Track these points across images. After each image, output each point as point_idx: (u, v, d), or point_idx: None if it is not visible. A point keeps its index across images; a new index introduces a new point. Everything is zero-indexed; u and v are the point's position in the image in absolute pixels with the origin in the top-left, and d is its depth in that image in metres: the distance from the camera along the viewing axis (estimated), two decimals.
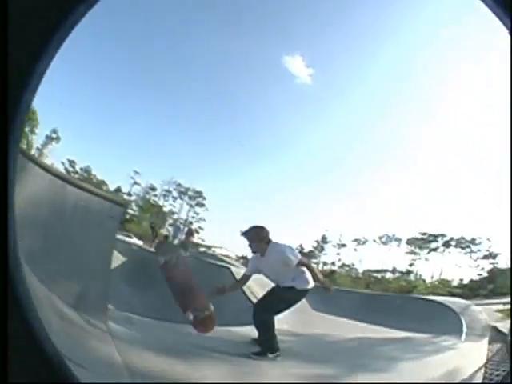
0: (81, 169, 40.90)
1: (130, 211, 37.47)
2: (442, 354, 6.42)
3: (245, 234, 5.54)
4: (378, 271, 35.24)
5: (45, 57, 0.99)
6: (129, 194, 40.61)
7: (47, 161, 36.67)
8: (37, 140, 37.46)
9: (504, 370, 4.48)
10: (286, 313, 6.88)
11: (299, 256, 5.39)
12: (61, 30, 1.01)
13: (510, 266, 26.35)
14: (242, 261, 30.74)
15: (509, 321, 7.91)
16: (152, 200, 41.97)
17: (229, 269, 12.20)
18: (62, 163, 38.27)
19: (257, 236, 5.45)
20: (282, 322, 7.51)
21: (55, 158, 38.00)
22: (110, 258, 5.17)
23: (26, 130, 36.16)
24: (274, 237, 5.45)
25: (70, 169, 39.95)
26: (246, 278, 5.75)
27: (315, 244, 39.65)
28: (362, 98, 45.20)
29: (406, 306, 12.80)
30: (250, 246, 5.52)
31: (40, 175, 4.58)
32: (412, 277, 34.44)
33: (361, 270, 37.30)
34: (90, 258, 4.76)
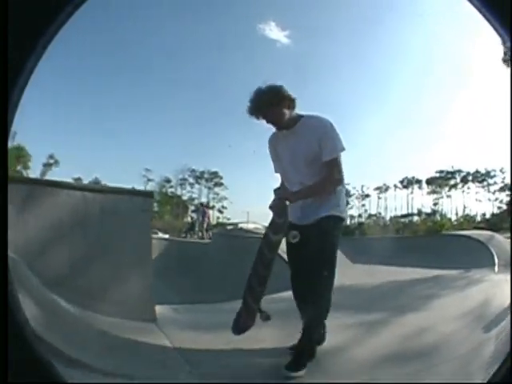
0: (89, 183, 40.90)
1: None
2: (477, 286, 6.45)
3: (255, 96, 3.16)
4: (404, 216, 34.74)
5: (32, 56, 1.00)
6: None
7: None
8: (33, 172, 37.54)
9: None
10: None
11: (342, 148, 3.22)
12: (49, 30, 1.01)
13: None
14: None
15: None
16: (169, 192, 41.78)
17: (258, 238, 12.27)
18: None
19: (275, 97, 3.13)
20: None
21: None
22: (149, 254, 5.05)
23: (18, 168, 36.02)
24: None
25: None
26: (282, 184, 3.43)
27: None
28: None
29: (435, 244, 13.29)
30: (267, 117, 3.20)
31: (54, 194, 4.60)
32: (438, 217, 34.21)
33: (388, 218, 36.95)
34: (129, 259, 4.70)
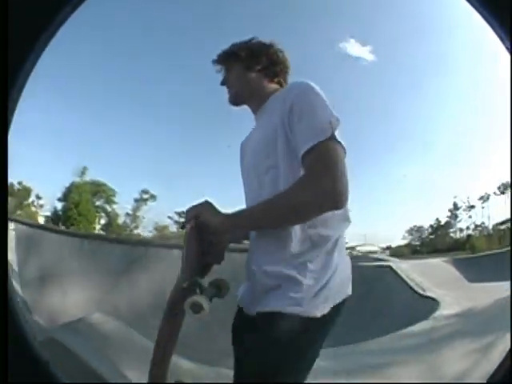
0: None
1: None
2: None
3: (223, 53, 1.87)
4: (502, 223, 33.68)
5: (31, 57, 1.00)
6: None
7: (146, 224, 36.45)
8: (120, 208, 37.28)
9: None
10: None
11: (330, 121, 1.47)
12: (47, 31, 1.01)
13: None
14: (387, 252, 29.88)
15: None
16: None
17: (389, 267, 12.03)
18: (170, 218, 38.40)
19: (237, 50, 1.83)
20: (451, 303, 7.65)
21: (155, 217, 36.92)
22: None
23: (98, 203, 36.37)
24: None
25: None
26: None
27: (449, 214, 38.40)
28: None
29: None
30: (224, 77, 1.87)
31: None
32: None
33: (490, 227, 35.65)
34: None
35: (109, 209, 37.41)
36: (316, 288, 1.45)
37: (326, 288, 1.47)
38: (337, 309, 1.51)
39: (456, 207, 38.26)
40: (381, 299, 10.13)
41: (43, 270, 6.98)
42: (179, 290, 1.40)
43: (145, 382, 1.44)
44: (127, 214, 37.85)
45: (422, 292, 9.34)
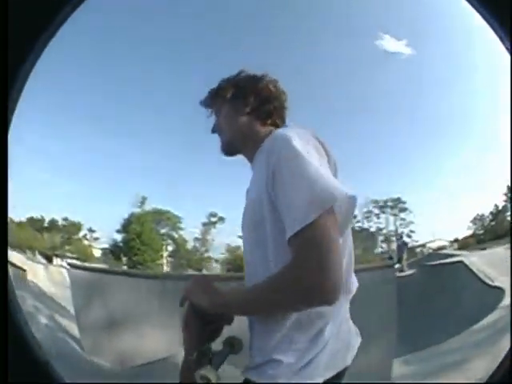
0: None
1: None
2: None
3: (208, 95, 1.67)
4: None
5: (31, 57, 1.00)
6: None
7: (216, 246, 36.80)
8: (187, 233, 37.92)
9: None
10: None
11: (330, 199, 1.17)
12: (47, 31, 1.01)
13: None
14: (456, 245, 29.01)
15: None
16: (356, 227, 41.35)
17: (461, 262, 11.40)
18: (241, 237, 38.09)
19: (225, 89, 1.62)
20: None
21: (225, 238, 37.40)
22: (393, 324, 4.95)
23: (163, 231, 36.58)
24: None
25: None
26: None
27: (504, 198, 36.91)
28: None
29: None
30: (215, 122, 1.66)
31: None
32: None
33: None
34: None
35: (175, 235, 37.78)
36: (298, 366, 1.28)
37: (311, 365, 1.29)
38: (331, 380, 1.34)
39: (510, 190, 36.94)
40: (458, 296, 10.05)
41: (111, 313, 6.95)
42: (188, 363, 1.36)
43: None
44: (196, 239, 38.28)
45: (490, 283, 9.17)
